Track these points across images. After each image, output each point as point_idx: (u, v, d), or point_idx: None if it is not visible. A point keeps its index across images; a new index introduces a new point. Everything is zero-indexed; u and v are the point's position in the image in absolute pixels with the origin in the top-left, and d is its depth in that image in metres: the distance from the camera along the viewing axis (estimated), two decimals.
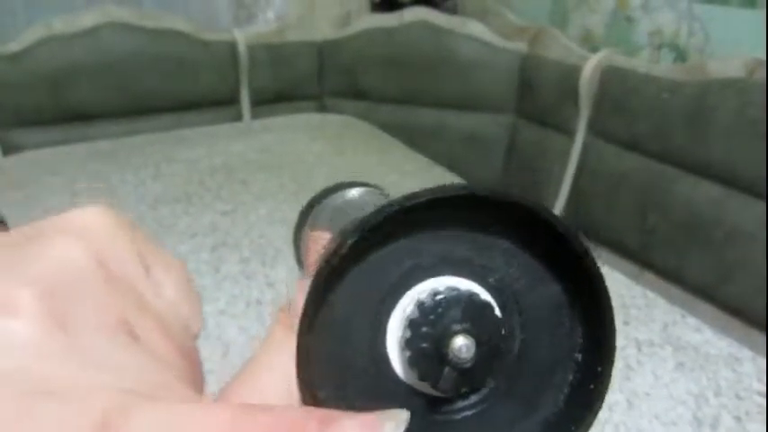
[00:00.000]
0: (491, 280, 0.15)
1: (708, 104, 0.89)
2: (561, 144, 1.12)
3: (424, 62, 1.22)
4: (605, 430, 0.42)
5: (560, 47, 1.13)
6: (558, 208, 1.14)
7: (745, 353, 0.52)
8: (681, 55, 1.03)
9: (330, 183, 0.27)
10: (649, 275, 0.97)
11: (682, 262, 0.93)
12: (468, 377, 0.14)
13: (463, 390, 0.14)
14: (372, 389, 0.15)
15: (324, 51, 1.26)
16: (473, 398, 0.15)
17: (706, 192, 0.90)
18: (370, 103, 1.27)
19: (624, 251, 1.02)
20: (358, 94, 1.28)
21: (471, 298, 0.14)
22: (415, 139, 1.11)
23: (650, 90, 0.97)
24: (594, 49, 1.10)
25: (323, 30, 1.27)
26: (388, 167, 0.94)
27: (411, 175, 0.92)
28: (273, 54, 1.22)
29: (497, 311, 0.14)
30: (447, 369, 0.14)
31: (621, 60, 1.04)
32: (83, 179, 0.84)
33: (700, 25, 0.99)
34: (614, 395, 0.45)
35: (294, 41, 1.24)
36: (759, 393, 0.47)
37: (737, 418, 0.44)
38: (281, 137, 1.05)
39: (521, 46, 1.19)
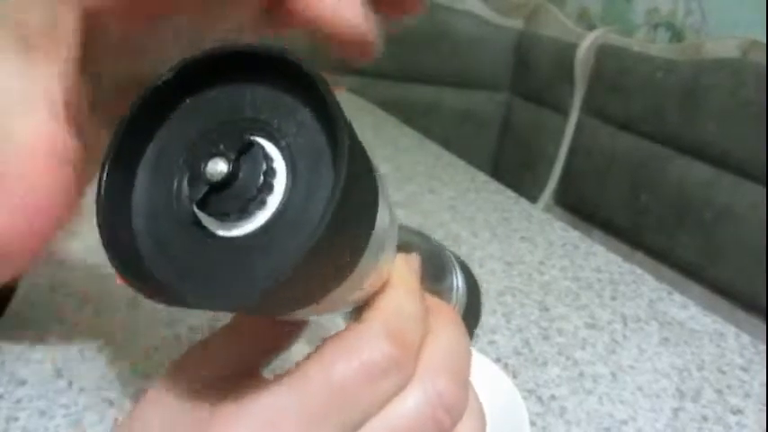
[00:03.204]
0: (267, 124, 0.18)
1: (702, 84, 0.89)
2: (556, 122, 1.13)
3: (420, 38, 1.21)
4: (589, 401, 0.42)
5: (557, 24, 1.12)
6: (551, 186, 1.15)
7: (729, 329, 0.53)
8: (677, 34, 1.02)
9: None
10: (640, 255, 0.98)
11: (672, 242, 0.93)
12: (226, 198, 0.16)
13: (222, 211, 0.16)
14: (175, 223, 0.18)
15: None
16: (248, 226, 0.17)
17: (698, 172, 0.90)
18: (366, 78, 1.26)
19: (616, 231, 1.03)
20: (353, 69, 1.27)
21: (228, 125, 0.17)
22: (410, 115, 1.10)
23: (645, 69, 0.97)
24: (591, 27, 1.09)
25: None
26: (382, 143, 0.95)
27: (405, 151, 0.92)
28: None
29: (262, 143, 0.17)
30: (204, 186, 0.16)
31: (617, 39, 1.04)
32: None
33: (697, 4, 0.99)
34: (599, 368, 0.46)
35: None
36: (741, 368, 0.48)
37: (719, 391, 0.45)
38: None
39: (517, 23, 1.18)
